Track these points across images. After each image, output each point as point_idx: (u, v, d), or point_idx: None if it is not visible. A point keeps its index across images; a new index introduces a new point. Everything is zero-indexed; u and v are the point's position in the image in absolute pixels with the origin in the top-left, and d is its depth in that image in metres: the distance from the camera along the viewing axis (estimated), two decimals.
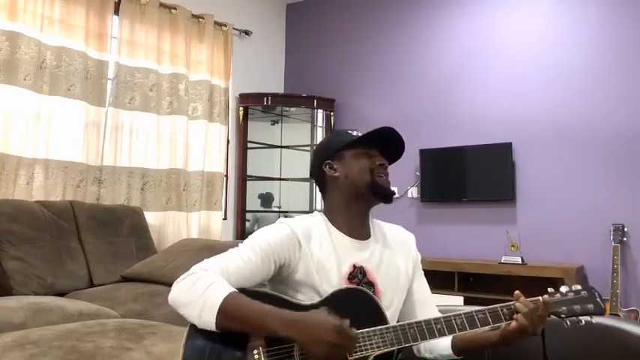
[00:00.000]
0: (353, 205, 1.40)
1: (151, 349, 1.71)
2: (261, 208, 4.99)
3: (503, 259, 3.90)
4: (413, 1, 4.74)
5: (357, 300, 1.29)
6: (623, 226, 3.67)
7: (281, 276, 1.34)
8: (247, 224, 4.82)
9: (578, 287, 1.30)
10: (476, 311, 1.26)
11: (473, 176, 4.28)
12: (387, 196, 1.40)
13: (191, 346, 1.18)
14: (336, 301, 1.28)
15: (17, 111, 3.15)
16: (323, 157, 1.43)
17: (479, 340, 1.32)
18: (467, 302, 3.74)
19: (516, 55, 4.22)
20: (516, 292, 1.28)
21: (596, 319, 1.30)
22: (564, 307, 1.27)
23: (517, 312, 1.24)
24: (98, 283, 3.01)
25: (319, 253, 1.33)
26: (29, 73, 3.20)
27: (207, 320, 1.15)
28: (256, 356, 1.17)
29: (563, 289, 1.30)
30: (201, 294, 1.16)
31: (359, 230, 1.41)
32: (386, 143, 1.43)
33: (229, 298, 1.15)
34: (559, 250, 3.91)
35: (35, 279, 2.70)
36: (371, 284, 1.35)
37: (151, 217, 3.81)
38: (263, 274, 1.30)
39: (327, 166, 1.42)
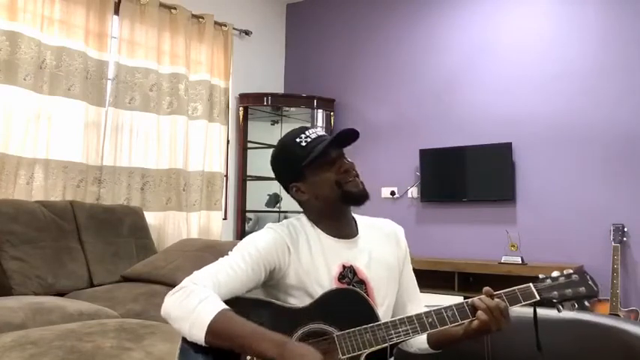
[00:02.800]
0: (331, 214, 1.40)
1: (151, 349, 1.71)
2: (265, 208, 4.98)
3: (503, 259, 3.90)
4: (413, 2, 4.74)
5: (347, 300, 1.29)
6: (623, 226, 3.67)
7: (272, 280, 1.34)
8: (248, 224, 4.82)
9: (570, 271, 1.29)
10: (465, 302, 1.27)
11: (473, 176, 4.28)
12: (359, 200, 1.37)
13: (185, 354, 1.20)
14: (326, 303, 1.28)
15: (17, 111, 3.15)
16: (286, 181, 1.41)
17: (449, 335, 1.33)
18: None
19: (516, 55, 4.22)
20: (485, 287, 1.28)
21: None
22: (555, 292, 1.27)
23: (478, 308, 1.24)
24: (98, 283, 3.01)
25: (308, 255, 1.34)
26: (29, 73, 3.20)
27: (197, 337, 1.17)
28: None
29: (555, 273, 1.29)
30: (191, 310, 1.17)
31: (344, 230, 1.41)
32: (341, 136, 1.38)
33: (219, 316, 1.16)
34: (559, 250, 3.91)
35: (35, 279, 2.70)
36: (362, 282, 1.36)
37: (151, 217, 3.81)
38: (254, 281, 1.30)
39: (294, 189, 1.40)
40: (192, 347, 1.19)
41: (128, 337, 1.80)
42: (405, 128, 4.60)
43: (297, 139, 1.38)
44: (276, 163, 1.45)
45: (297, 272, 1.32)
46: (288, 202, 4.94)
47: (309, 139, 1.37)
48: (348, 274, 1.35)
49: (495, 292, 1.26)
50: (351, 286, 1.33)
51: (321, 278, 1.32)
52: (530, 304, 1.28)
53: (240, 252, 1.31)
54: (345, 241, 1.39)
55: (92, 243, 3.12)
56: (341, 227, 1.41)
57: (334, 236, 1.39)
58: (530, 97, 4.13)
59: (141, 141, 3.85)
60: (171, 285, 1.25)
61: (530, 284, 1.28)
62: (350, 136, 1.38)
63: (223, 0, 4.71)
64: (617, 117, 3.81)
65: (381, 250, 1.43)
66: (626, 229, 3.68)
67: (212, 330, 1.15)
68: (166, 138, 4.00)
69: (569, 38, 4.03)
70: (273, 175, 1.50)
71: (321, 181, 1.36)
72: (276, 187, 4.95)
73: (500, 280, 3.85)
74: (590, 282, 1.27)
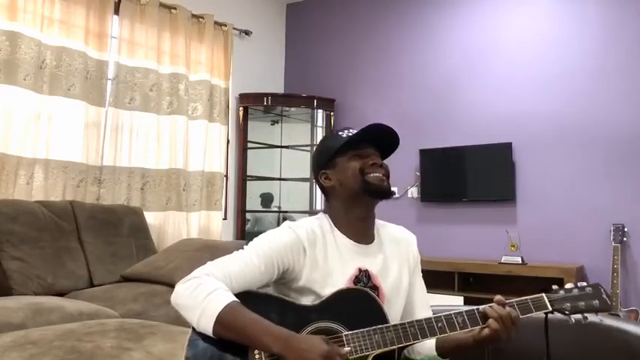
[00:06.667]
0: (353, 210, 1.39)
1: (151, 349, 1.71)
2: (262, 208, 4.99)
3: (503, 259, 3.90)
4: (413, 2, 4.74)
5: (358, 300, 1.29)
6: (623, 226, 3.67)
7: (284, 279, 1.34)
8: (247, 225, 4.82)
9: (584, 284, 1.29)
10: (475, 309, 1.27)
11: (473, 176, 4.28)
12: (381, 194, 1.37)
13: (194, 344, 1.20)
14: (337, 302, 1.28)
15: (17, 111, 3.15)
16: (318, 168, 1.43)
17: (458, 342, 1.31)
18: (467, 302, 3.74)
19: (516, 55, 4.22)
20: (497, 296, 1.27)
21: (596, 319, 1.30)
22: (568, 304, 1.26)
23: (489, 316, 1.24)
24: (98, 283, 3.01)
25: (324, 257, 1.34)
26: (29, 73, 3.20)
27: (205, 327, 1.17)
28: (257, 357, 1.17)
29: (568, 285, 1.29)
30: (201, 301, 1.18)
31: (363, 234, 1.41)
32: (379, 138, 1.41)
33: (227, 309, 1.17)
34: (559, 250, 3.91)
35: (35, 279, 2.70)
36: (375, 288, 1.35)
37: (151, 217, 3.80)
38: (266, 278, 1.30)
39: (323, 177, 1.42)
40: (201, 337, 1.20)
41: (128, 337, 1.80)
42: (405, 128, 4.58)
43: (340, 132, 1.41)
44: (314, 152, 1.49)
45: (311, 274, 1.31)
46: (287, 203, 4.95)
47: (350, 133, 1.39)
48: (363, 278, 1.35)
49: (507, 301, 1.26)
50: (362, 287, 1.33)
51: (335, 281, 1.32)
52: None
53: (256, 248, 1.31)
54: (362, 245, 1.39)
55: (92, 243, 3.12)
56: (360, 230, 1.40)
57: (352, 240, 1.38)
58: (530, 97, 4.13)
59: (141, 141, 3.85)
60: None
61: (543, 294, 1.28)
62: (390, 142, 1.42)
63: (223, 0, 4.71)
64: (618, 117, 3.81)
65: (394, 258, 1.43)
66: (626, 229, 3.68)
67: (220, 321, 1.16)
68: (166, 138, 4.00)
69: (569, 38, 4.03)
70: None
71: (347, 168, 1.37)
72: (269, 187, 4.95)
73: (501, 280, 3.86)
74: (604, 295, 1.27)
